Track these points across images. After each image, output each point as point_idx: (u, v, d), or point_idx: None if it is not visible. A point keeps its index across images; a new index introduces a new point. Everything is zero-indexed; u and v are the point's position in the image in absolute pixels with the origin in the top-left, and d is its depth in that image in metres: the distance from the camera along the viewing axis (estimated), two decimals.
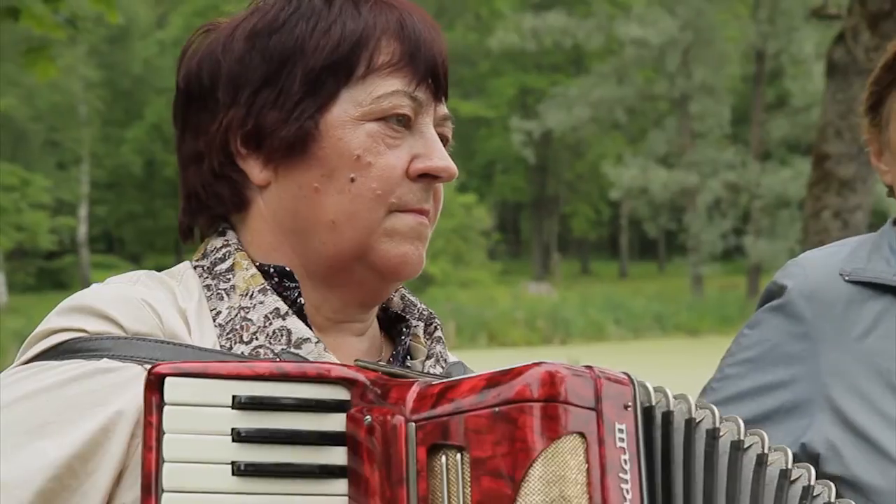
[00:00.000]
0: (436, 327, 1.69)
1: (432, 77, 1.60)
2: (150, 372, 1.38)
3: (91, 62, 42.28)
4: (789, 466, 1.52)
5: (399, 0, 1.62)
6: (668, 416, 1.43)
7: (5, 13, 6.96)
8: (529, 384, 1.33)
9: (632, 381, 1.39)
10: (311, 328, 1.57)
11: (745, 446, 1.49)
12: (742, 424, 1.49)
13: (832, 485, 1.56)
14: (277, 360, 1.48)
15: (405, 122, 1.58)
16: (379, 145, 1.56)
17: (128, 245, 47.89)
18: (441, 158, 1.59)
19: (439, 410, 1.36)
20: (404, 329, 1.68)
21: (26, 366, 1.49)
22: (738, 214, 42.42)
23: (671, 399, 1.44)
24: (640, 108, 45.99)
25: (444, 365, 1.66)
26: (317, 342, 1.54)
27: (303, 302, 1.58)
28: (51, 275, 41.82)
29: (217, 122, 1.59)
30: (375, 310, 1.67)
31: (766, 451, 1.51)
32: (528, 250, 54.40)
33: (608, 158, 45.57)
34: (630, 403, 1.38)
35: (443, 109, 1.64)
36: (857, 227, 6.30)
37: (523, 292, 37.76)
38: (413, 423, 1.36)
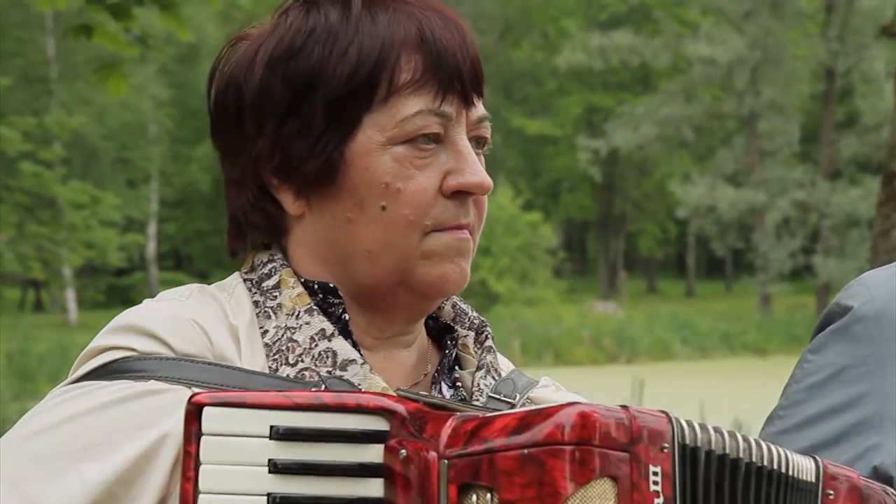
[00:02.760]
0: (487, 336, 1.66)
1: (460, 84, 1.55)
2: (189, 401, 1.37)
3: (161, 81, 42.67)
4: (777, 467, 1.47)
5: (420, 1, 1.57)
6: (708, 454, 1.39)
7: (78, 31, 7.04)
8: (560, 426, 1.30)
9: (670, 420, 1.36)
10: (357, 346, 1.56)
11: (789, 480, 1.45)
12: (788, 456, 1.46)
13: None
14: (321, 386, 1.47)
15: (435, 138, 1.55)
16: (408, 169, 1.53)
17: (195, 262, 48.23)
18: (474, 174, 1.55)
19: (471, 449, 1.33)
20: (450, 339, 1.66)
21: (75, 385, 1.48)
22: (807, 233, 42.00)
23: (712, 436, 1.40)
24: (708, 127, 45.68)
25: (495, 376, 1.63)
26: (362, 364, 1.53)
27: (347, 318, 1.57)
28: (120, 291, 42.19)
29: (247, 153, 1.57)
30: (422, 320, 1.65)
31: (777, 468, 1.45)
32: (594, 269, 54.16)
33: (675, 177, 45.31)
34: (668, 444, 1.34)
35: (477, 112, 1.58)
36: None
37: (589, 311, 37.58)
38: (446, 461, 1.34)
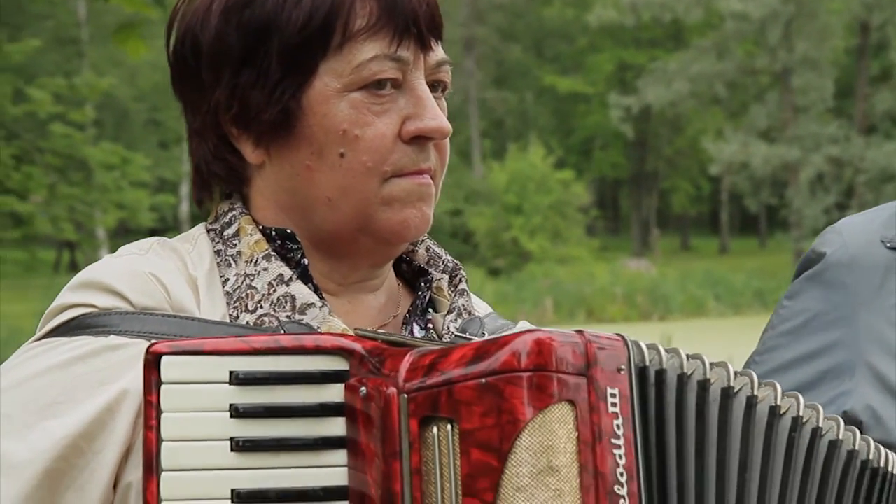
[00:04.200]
0: (460, 279, 1.67)
1: (416, 28, 1.54)
2: (147, 351, 1.38)
3: None
4: (778, 402, 1.48)
5: None
6: (661, 373, 1.39)
7: None
8: (516, 354, 1.32)
9: (626, 343, 1.37)
10: (318, 291, 1.56)
11: (735, 391, 1.45)
12: (731, 371, 1.45)
13: (820, 410, 1.53)
14: (280, 331, 1.48)
15: (393, 84, 1.54)
16: (365, 115, 1.53)
17: None
18: (433, 118, 1.55)
19: (430, 381, 1.35)
20: (423, 282, 1.66)
21: (38, 342, 1.50)
22: (842, 189, 41.74)
23: (664, 356, 1.41)
24: (741, 83, 45.38)
25: (466, 318, 1.63)
26: (321, 306, 1.53)
27: (306, 263, 1.57)
28: None
29: (206, 103, 1.57)
30: (389, 265, 1.65)
31: (754, 392, 1.46)
32: (626, 226, 54.04)
33: (708, 133, 45.07)
34: (624, 366, 1.35)
35: (435, 57, 1.58)
36: None
37: (622, 268, 37.51)
38: (405, 395, 1.35)
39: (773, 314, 2.17)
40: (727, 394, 1.44)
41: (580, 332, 1.35)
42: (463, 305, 1.65)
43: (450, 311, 1.64)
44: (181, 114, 1.63)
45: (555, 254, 38.50)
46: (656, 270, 37.58)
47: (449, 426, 1.32)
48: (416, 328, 1.65)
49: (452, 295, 1.66)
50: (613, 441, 1.32)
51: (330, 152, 1.53)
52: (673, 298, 31.59)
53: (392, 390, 1.36)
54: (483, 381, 1.31)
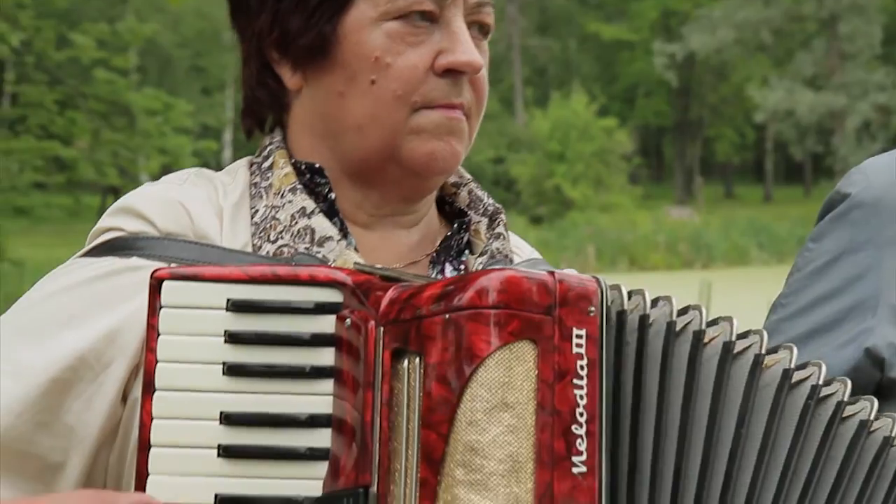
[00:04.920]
0: (499, 223, 1.68)
1: None
2: (151, 276, 1.43)
3: None
4: (792, 367, 1.45)
5: None
6: (644, 319, 1.39)
7: None
8: (482, 290, 1.33)
9: (600, 284, 1.37)
10: (343, 224, 1.60)
11: (739, 349, 1.43)
12: (735, 326, 1.44)
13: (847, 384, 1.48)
14: (290, 262, 1.51)
15: (430, 17, 1.57)
16: (399, 45, 1.56)
17: None
18: (465, 52, 1.57)
19: (403, 315, 1.37)
20: (460, 224, 1.68)
21: (73, 261, 1.57)
22: (889, 137, 41.32)
23: (648, 302, 1.41)
24: (787, 29, 44.92)
25: (494, 260, 1.64)
26: (339, 240, 1.56)
27: (333, 198, 1.60)
28: None
29: (251, 29, 1.62)
30: (428, 202, 1.67)
31: (762, 351, 1.43)
32: (670, 174, 53.76)
33: (753, 81, 44.70)
34: (594, 308, 1.35)
35: None
36: None
37: (665, 217, 37.36)
38: (382, 328, 1.38)
39: (798, 256, 2.16)
40: (727, 348, 1.42)
41: (551, 273, 1.36)
42: (497, 249, 1.66)
43: (482, 254, 1.66)
44: (236, 44, 1.67)
45: (597, 201, 38.37)
46: (699, 219, 37.40)
47: (417, 359, 1.35)
48: (448, 268, 1.67)
49: (488, 238, 1.68)
50: (575, 381, 1.33)
51: (361, 79, 1.56)
52: (716, 247, 31.44)
53: (371, 323, 1.39)
54: (447, 316, 1.33)
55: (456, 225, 1.68)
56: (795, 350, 1.47)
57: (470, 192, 1.71)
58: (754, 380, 1.43)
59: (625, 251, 30.74)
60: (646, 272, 28.35)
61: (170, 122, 24.49)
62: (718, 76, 49.24)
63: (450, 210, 1.72)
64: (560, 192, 38.80)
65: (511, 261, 1.67)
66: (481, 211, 1.69)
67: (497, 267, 1.38)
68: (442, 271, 1.66)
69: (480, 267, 1.63)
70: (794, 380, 1.45)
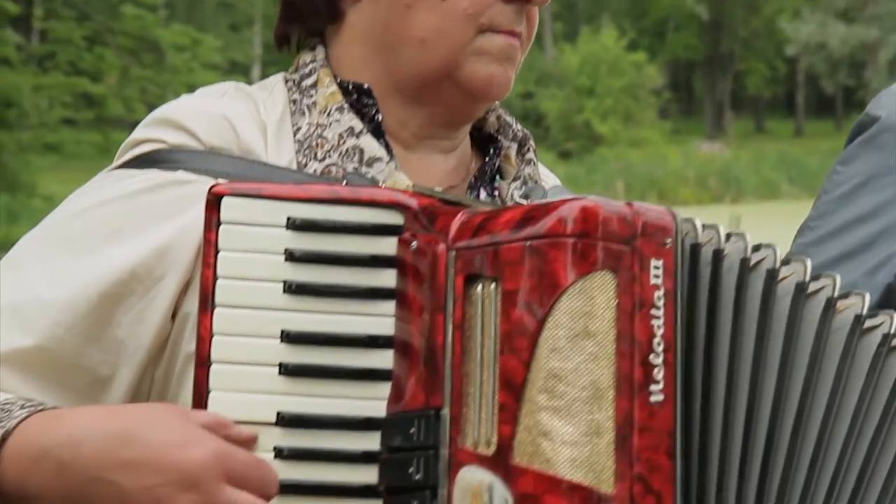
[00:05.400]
0: (529, 148, 1.68)
1: None
2: (209, 191, 1.41)
3: None
4: (864, 312, 1.44)
5: None
6: (718, 253, 1.40)
7: None
8: (563, 219, 1.33)
9: (674, 217, 1.37)
10: (388, 146, 1.58)
11: (812, 290, 1.43)
12: (809, 266, 1.43)
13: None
14: (342, 181, 1.49)
15: None
16: None
17: None
18: None
19: (477, 241, 1.36)
20: (493, 149, 1.68)
21: (111, 173, 1.54)
22: None
23: (723, 237, 1.41)
24: None
25: (531, 185, 1.64)
26: (388, 161, 1.55)
27: (380, 119, 1.59)
28: None
29: None
30: (466, 129, 1.67)
31: (835, 294, 1.43)
32: (700, 109, 53.50)
33: (785, 13, 44.35)
34: (670, 240, 1.36)
35: None
36: None
37: (695, 151, 37.26)
38: (454, 252, 1.37)
39: (827, 179, 2.15)
40: (801, 289, 1.42)
41: (629, 204, 1.37)
42: (529, 174, 1.66)
43: (515, 179, 1.65)
44: None
45: (626, 136, 38.27)
46: (729, 153, 37.28)
47: (493, 285, 1.35)
48: (482, 194, 1.66)
49: (519, 164, 1.67)
50: (653, 312, 1.34)
51: None
52: (746, 181, 31.39)
53: (441, 247, 1.38)
54: (528, 244, 1.34)
55: (492, 150, 1.68)
56: (867, 297, 1.46)
57: (499, 118, 1.71)
58: (826, 323, 1.43)
59: (654, 186, 30.71)
60: (675, 206, 28.13)
61: (198, 58, 24.50)
62: (749, 9, 48.85)
63: (478, 136, 1.71)
64: (589, 128, 38.70)
65: (538, 185, 1.66)
66: (510, 136, 1.69)
67: (573, 196, 1.37)
68: (477, 197, 1.66)
69: (514, 193, 1.63)
70: (865, 326, 1.45)
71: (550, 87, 40.59)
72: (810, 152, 36.98)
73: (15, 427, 1.35)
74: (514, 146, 1.68)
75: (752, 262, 1.42)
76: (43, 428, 1.36)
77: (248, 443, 1.36)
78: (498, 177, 1.68)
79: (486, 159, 1.67)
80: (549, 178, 1.73)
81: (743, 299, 1.40)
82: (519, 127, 1.69)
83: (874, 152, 2.07)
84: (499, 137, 1.69)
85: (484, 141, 1.70)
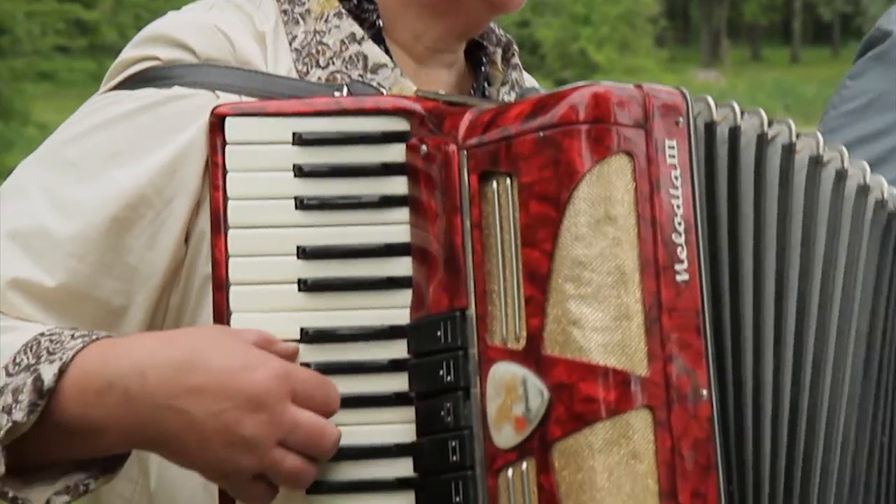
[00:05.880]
0: (513, 53, 1.67)
1: None
2: (212, 113, 1.40)
3: None
4: (867, 182, 1.48)
5: None
6: (735, 131, 1.40)
7: None
8: (574, 106, 1.32)
9: (685, 96, 1.37)
10: (389, 52, 1.55)
11: (825, 161, 1.45)
12: (821, 139, 1.45)
13: None
14: (343, 90, 1.48)
15: None
16: None
17: None
18: None
19: (488, 137, 1.36)
20: (483, 57, 1.66)
21: (103, 95, 1.51)
22: None
23: (738, 114, 1.40)
24: None
25: (518, 91, 1.63)
26: (393, 68, 1.53)
27: (381, 24, 1.56)
28: None
29: None
30: (464, 44, 1.65)
31: (845, 166, 1.46)
32: (696, 37, 53.19)
33: None
34: (682, 119, 1.35)
35: None
36: None
37: (691, 79, 37.08)
38: (465, 151, 1.37)
39: (835, 94, 2.13)
40: (816, 161, 1.44)
41: (639, 86, 1.36)
42: (516, 79, 1.66)
43: (503, 84, 1.64)
44: None
45: (623, 65, 38.09)
46: (725, 81, 37.15)
47: (508, 180, 1.34)
48: None
49: (506, 69, 1.66)
50: (671, 192, 1.33)
51: None
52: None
53: (452, 147, 1.37)
54: (541, 134, 1.33)
55: (483, 58, 1.66)
56: (868, 167, 1.50)
57: None
58: (839, 193, 1.45)
59: None
60: None
61: None
62: None
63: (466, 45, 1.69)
64: (585, 56, 38.52)
65: (531, 87, 1.66)
66: (495, 41, 1.67)
67: (584, 83, 1.36)
68: None
69: (505, 98, 1.62)
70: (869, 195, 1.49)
71: (546, 15, 40.33)
72: (807, 80, 36.88)
73: (72, 359, 1.33)
74: (500, 51, 1.67)
75: (770, 137, 1.42)
76: (104, 359, 1.33)
77: (292, 357, 1.36)
78: (486, 84, 1.66)
79: (482, 68, 1.66)
80: (530, 83, 1.72)
81: (763, 174, 1.41)
82: (501, 32, 1.68)
83: (884, 68, 2.05)
84: (485, 43, 1.67)
85: (470, 49, 1.68)
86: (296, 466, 1.31)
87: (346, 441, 1.35)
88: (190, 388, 1.30)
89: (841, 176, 1.46)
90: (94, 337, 1.35)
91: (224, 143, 1.40)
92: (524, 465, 1.30)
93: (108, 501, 1.50)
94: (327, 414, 1.33)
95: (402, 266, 1.40)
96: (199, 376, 1.30)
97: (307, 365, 1.36)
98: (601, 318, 1.30)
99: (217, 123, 1.40)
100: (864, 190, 1.48)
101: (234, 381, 1.30)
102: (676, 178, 1.34)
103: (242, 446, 1.29)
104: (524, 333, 1.32)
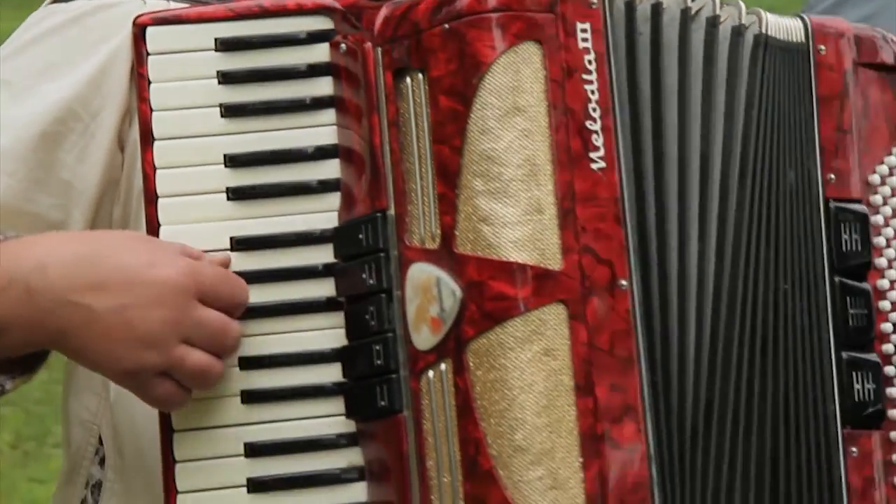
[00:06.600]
0: None
1: None
2: (133, 23, 1.38)
3: None
4: (764, 31, 1.40)
5: None
6: (657, 7, 1.35)
7: None
8: None
9: None
10: None
11: (746, 29, 1.39)
12: (742, 9, 1.39)
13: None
14: None
15: None
16: None
17: None
18: None
19: (401, 32, 1.33)
20: None
21: (42, 9, 1.50)
22: None
23: None
24: None
25: None
26: None
27: None
28: None
29: None
30: None
31: (764, 31, 1.40)
32: None
33: None
34: (595, 1, 1.31)
35: None
36: None
37: None
38: (380, 48, 1.34)
39: None
40: (738, 31, 1.39)
41: None
42: None
43: None
44: None
45: None
46: None
47: (420, 76, 1.31)
48: None
49: None
50: (584, 77, 1.29)
51: None
52: None
53: (368, 45, 1.35)
54: (446, 26, 1.29)
55: None
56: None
57: None
58: (757, 60, 1.40)
59: None
60: None
61: None
62: None
63: None
64: None
65: None
66: None
67: None
68: None
69: None
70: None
71: None
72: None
73: None
74: None
75: (693, 12, 1.37)
76: (7, 255, 1.31)
77: (225, 265, 1.35)
78: None
79: None
80: None
81: (686, 51, 1.37)
82: None
83: None
84: None
85: None
86: (201, 362, 1.29)
87: (279, 348, 1.35)
88: (92, 283, 1.28)
89: (759, 42, 1.40)
90: (1, 237, 1.35)
91: (147, 54, 1.38)
92: (442, 366, 1.29)
93: (76, 413, 1.51)
94: (234, 310, 1.32)
95: (331, 168, 1.38)
96: (102, 271, 1.29)
97: (240, 274, 1.35)
98: (511, 213, 1.27)
99: (139, 34, 1.38)
100: (759, 39, 1.41)
101: (138, 277, 1.28)
102: (590, 62, 1.30)
103: (145, 342, 1.27)
104: (438, 232, 1.30)
